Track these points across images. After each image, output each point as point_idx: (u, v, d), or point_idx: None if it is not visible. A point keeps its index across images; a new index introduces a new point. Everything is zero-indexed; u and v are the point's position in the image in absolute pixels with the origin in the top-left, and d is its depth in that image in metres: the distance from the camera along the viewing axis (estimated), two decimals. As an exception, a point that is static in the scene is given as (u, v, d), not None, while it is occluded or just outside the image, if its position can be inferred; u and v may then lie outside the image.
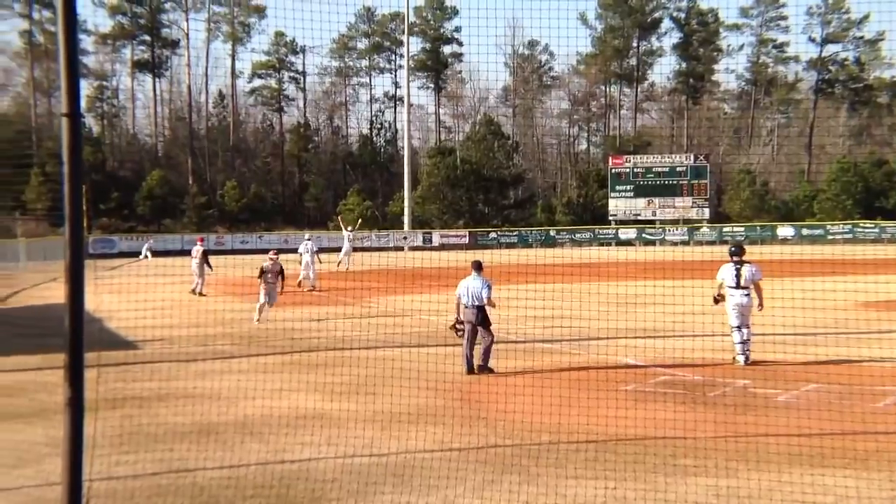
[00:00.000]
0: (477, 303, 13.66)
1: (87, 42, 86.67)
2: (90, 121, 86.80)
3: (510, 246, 63.32)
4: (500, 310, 15.19)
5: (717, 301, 14.78)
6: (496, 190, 78.40)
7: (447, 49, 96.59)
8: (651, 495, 7.53)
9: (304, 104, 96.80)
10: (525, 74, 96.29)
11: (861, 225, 61.96)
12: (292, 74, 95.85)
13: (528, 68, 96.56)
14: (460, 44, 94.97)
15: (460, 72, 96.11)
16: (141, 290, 27.89)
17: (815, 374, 13.23)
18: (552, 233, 67.71)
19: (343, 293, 28.46)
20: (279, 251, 22.32)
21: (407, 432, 9.90)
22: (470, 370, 13.59)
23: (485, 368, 13.66)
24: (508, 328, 18.90)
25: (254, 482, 8.10)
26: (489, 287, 13.68)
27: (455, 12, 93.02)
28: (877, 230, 59.84)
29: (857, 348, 15.39)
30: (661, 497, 7.49)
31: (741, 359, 14.23)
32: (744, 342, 14.26)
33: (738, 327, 14.27)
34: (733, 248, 14.89)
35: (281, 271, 20.83)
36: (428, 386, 11.92)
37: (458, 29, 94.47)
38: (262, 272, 20.70)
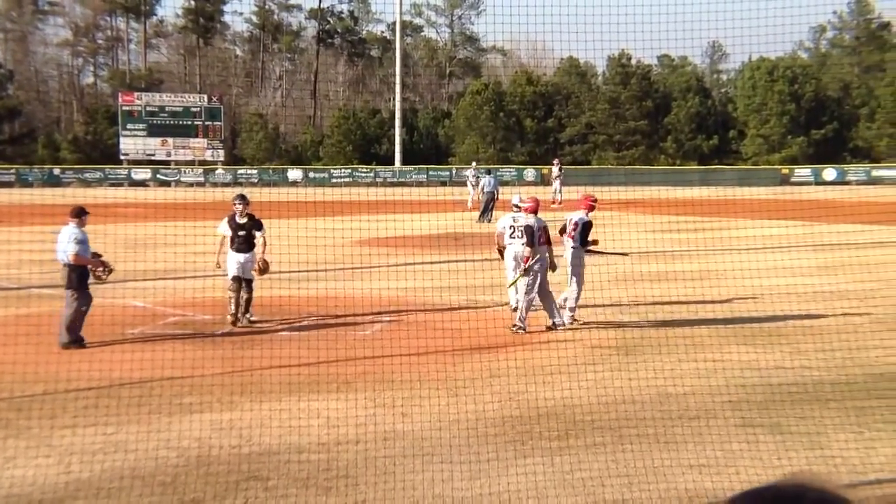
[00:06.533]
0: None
1: None
2: None
3: (6, 185, 57.24)
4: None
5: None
6: (-14, 123, 70.14)
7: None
8: (153, 436, 7.53)
9: None
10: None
11: (359, 169, 66.96)
12: None
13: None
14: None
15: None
16: None
17: (315, 308, 14.26)
18: (56, 171, 62.52)
19: None
20: None
21: None
22: None
23: None
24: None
25: None
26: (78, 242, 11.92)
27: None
28: (372, 174, 65.20)
29: (352, 281, 16.90)
30: (162, 437, 7.53)
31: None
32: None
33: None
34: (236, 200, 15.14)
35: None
36: None
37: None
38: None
